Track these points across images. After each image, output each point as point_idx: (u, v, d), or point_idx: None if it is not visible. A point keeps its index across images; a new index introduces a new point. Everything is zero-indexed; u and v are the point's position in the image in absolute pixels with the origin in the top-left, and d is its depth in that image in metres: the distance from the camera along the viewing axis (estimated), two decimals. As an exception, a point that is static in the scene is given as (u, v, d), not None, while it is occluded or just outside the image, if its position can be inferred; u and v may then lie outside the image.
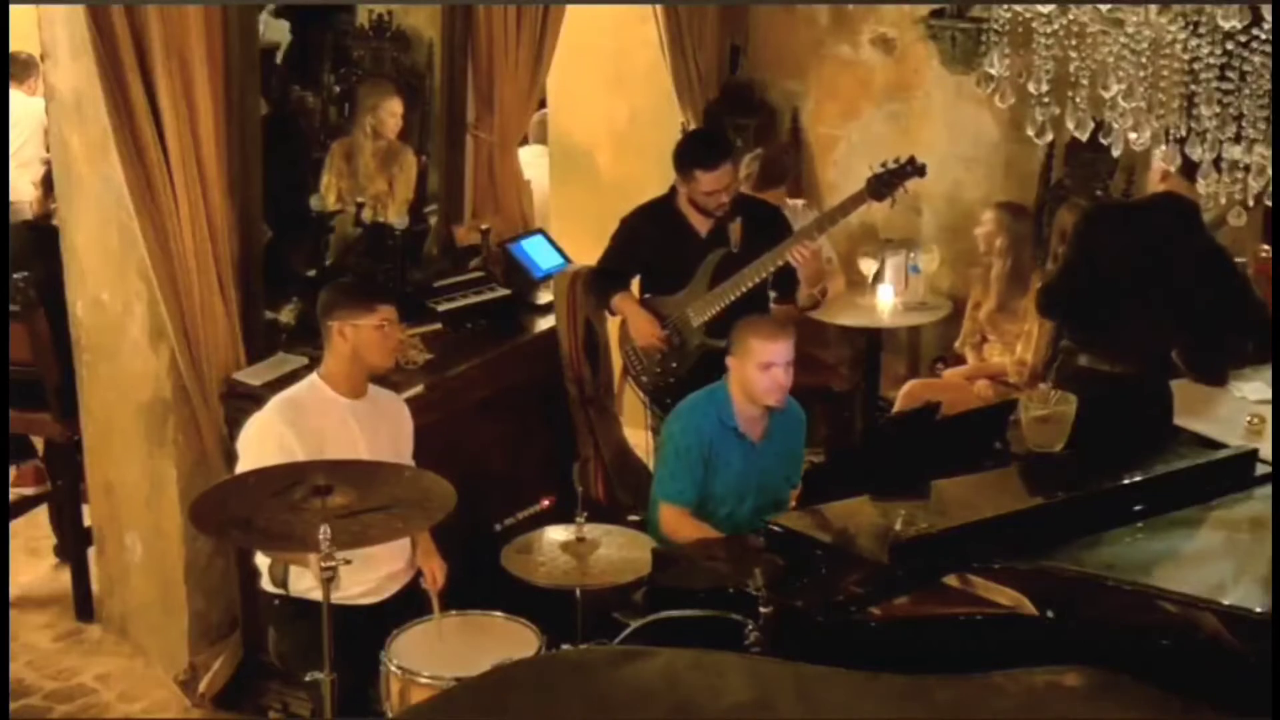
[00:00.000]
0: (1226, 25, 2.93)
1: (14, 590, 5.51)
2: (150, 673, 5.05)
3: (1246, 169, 3.09)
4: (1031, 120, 3.32)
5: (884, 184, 5.03)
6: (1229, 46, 2.97)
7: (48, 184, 5.74)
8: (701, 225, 5.18)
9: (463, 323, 5.30)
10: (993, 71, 3.34)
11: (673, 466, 4.47)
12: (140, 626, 5.14)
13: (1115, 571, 3.16)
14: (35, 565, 5.77)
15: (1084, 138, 3.40)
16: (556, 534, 4.12)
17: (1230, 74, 2.99)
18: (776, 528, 3.56)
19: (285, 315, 4.93)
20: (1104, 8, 3.10)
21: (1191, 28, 3.00)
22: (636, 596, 4.10)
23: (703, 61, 6.43)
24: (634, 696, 2.78)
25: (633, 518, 4.73)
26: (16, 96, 7.61)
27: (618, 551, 4.04)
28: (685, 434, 4.48)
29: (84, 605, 5.38)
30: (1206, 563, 3.31)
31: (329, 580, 3.51)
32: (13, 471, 6.02)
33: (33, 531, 5.86)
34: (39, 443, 5.81)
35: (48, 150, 5.77)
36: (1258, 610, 2.90)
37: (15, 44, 7.24)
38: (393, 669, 3.78)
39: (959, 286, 6.43)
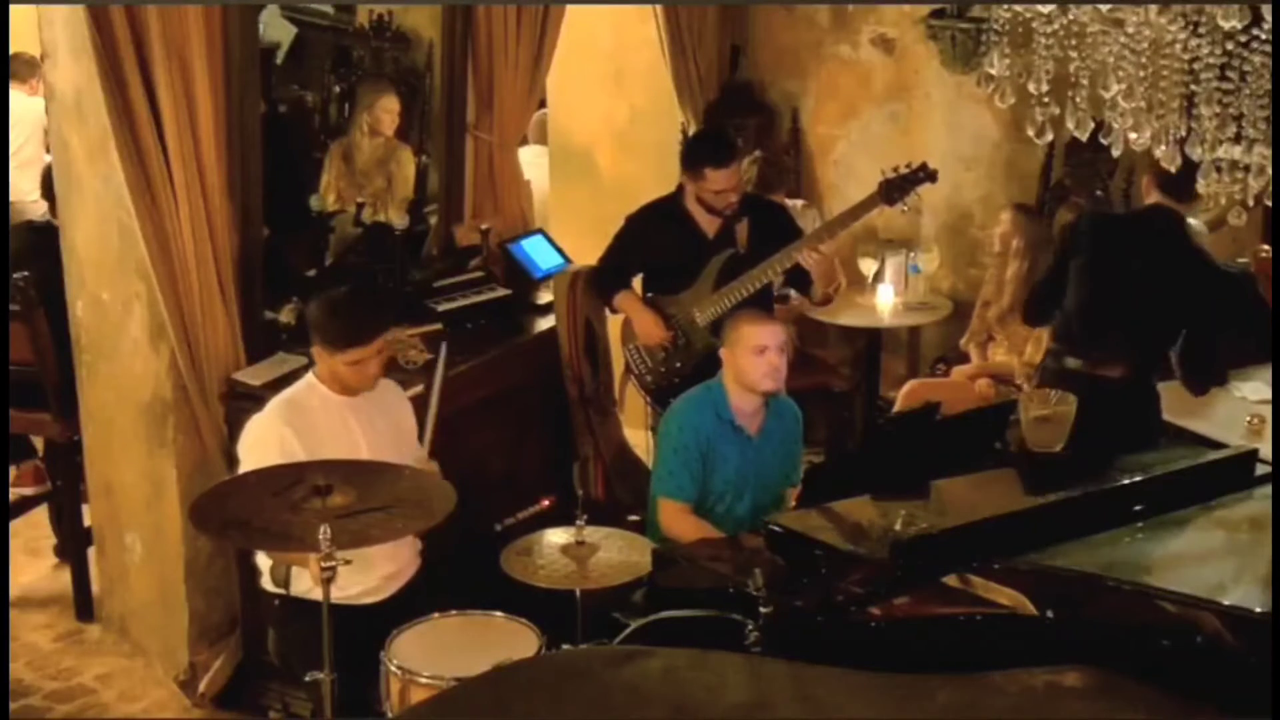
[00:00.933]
0: (1226, 25, 2.93)
1: (14, 590, 5.51)
2: (150, 673, 5.05)
3: (1246, 169, 3.08)
4: (1031, 120, 3.32)
5: (896, 188, 5.04)
6: (1229, 46, 2.96)
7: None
8: (709, 225, 5.18)
9: (463, 323, 5.30)
10: (993, 71, 3.34)
11: (671, 463, 4.48)
12: (140, 626, 5.14)
13: (1115, 571, 3.16)
14: (35, 565, 5.78)
15: (1084, 138, 3.40)
16: (556, 537, 4.12)
17: (1230, 74, 2.99)
18: (776, 528, 3.55)
19: (285, 315, 4.93)
20: (1104, 8, 3.10)
21: (1191, 28, 3.00)
22: (636, 597, 4.09)
23: (703, 61, 6.43)
24: (634, 696, 2.77)
25: (633, 517, 4.74)
26: (17, 96, 7.61)
27: (618, 555, 4.04)
28: (683, 430, 4.48)
29: (84, 605, 5.38)
30: (1206, 563, 3.31)
31: (329, 580, 3.52)
32: (13, 471, 6.02)
33: (33, 531, 5.86)
34: (39, 443, 5.81)
35: (48, 150, 5.77)
36: (1258, 610, 2.90)
37: (15, 44, 7.24)
38: (393, 669, 3.78)
39: (959, 286, 6.43)
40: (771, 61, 6.70)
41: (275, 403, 4.15)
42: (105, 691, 4.99)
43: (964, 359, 5.96)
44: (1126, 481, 3.49)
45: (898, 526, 3.38)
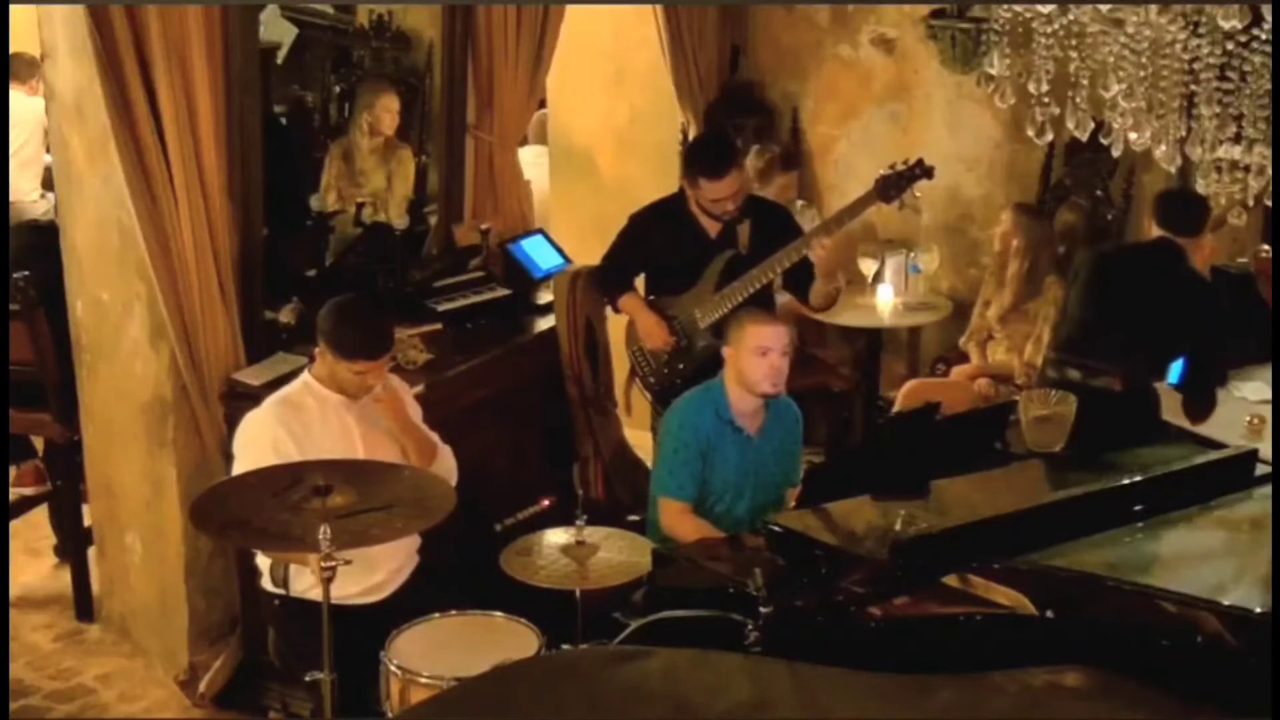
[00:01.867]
0: (1226, 25, 2.93)
1: (14, 590, 5.51)
2: (150, 673, 5.05)
3: (1246, 169, 3.09)
4: (1031, 120, 3.32)
5: (892, 186, 5.03)
6: (1229, 46, 2.97)
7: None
8: (711, 227, 5.18)
9: (463, 323, 5.30)
10: (993, 71, 3.35)
11: (671, 463, 4.48)
12: (140, 626, 5.14)
13: (1115, 571, 3.16)
14: (35, 565, 5.78)
15: (1084, 138, 3.40)
16: (556, 537, 4.12)
17: (1230, 74, 2.99)
18: (776, 528, 3.55)
19: (285, 315, 4.93)
20: (1104, 8, 3.10)
21: (1191, 28, 3.00)
22: (636, 597, 4.09)
23: (703, 61, 6.43)
24: (634, 696, 2.77)
25: (632, 517, 4.73)
26: (17, 96, 7.61)
27: (618, 555, 4.05)
28: (682, 429, 4.48)
29: (84, 605, 5.38)
30: (1206, 563, 3.31)
31: (329, 580, 3.52)
32: (13, 471, 6.02)
33: (33, 531, 5.86)
34: (39, 443, 5.81)
35: (48, 150, 5.77)
36: (1258, 610, 2.90)
37: (15, 44, 7.24)
38: (393, 669, 3.78)
39: (959, 286, 6.43)
40: (771, 61, 6.69)
41: (270, 401, 4.15)
42: (105, 691, 4.99)
43: (964, 359, 5.96)
44: (1126, 481, 3.48)
45: (898, 526, 3.38)
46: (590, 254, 5.57)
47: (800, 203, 6.41)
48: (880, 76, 6.50)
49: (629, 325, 5.40)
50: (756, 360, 4.38)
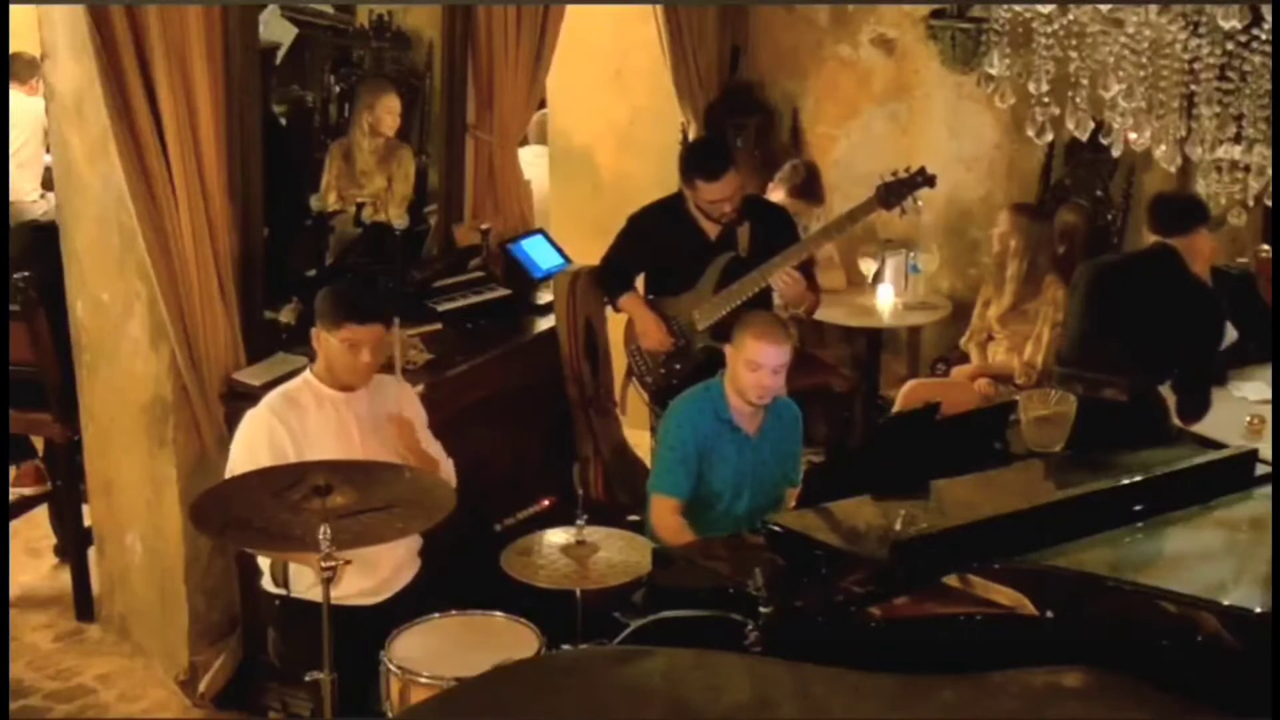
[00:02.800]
0: (1226, 25, 2.93)
1: (14, 590, 5.51)
2: (150, 673, 5.05)
3: (1246, 169, 3.09)
4: (1031, 120, 3.32)
5: (894, 193, 5.04)
6: (1229, 46, 2.97)
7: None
8: (710, 228, 5.18)
9: (463, 323, 5.30)
10: (993, 71, 3.34)
11: (668, 460, 4.49)
12: (140, 626, 5.14)
13: (1115, 571, 3.16)
14: (35, 565, 5.77)
15: (1084, 138, 3.40)
16: (556, 537, 4.12)
17: (1230, 74, 2.99)
18: (776, 528, 3.55)
19: (285, 315, 4.93)
20: (1104, 8, 3.10)
21: (1191, 28, 3.01)
22: (636, 597, 4.09)
23: (703, 61, 6.43)
24: (634, 696, 2.77)
25: (632, 517, 4.73)
26: (17, 96, 7.61)
27: (618, 555, 4.05)
28: (681, 428, 4.49)
29: (84, 605, 5.38)
30: (1206, 563, 3.31)
31: (329, 580, 3.52)
32: (13, 471, 6.02)
33: (33, 531, 5.86)
34: (39, 443, 5.81)
35: (48, 150, 5.77)
36: (1258, 610, 2.90)
37: (15, 44, 7.23)
38: (393, 669, 3.78)
39: (959, 286, 6.43)
40: (771, 61, 6.69)
41: (270, 397, 4.16)
42: (105, 691, 4.99)
43: (964, 359, 5.96)
44: (1126, 481, 3.48)
45: (898, 526, 3.38)
46: (590, 254, 5.57)
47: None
48: (880, 76, 6.50)
49: (628, 324, 5.40)
50: (747, 372, 4.40)
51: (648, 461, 5.40)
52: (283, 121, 5.41)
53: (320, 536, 3.44)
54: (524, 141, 6.39)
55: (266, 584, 4.23)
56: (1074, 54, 3.16)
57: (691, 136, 6.45)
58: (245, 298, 4.75)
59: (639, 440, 5.68)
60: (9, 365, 5.19)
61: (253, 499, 3.55)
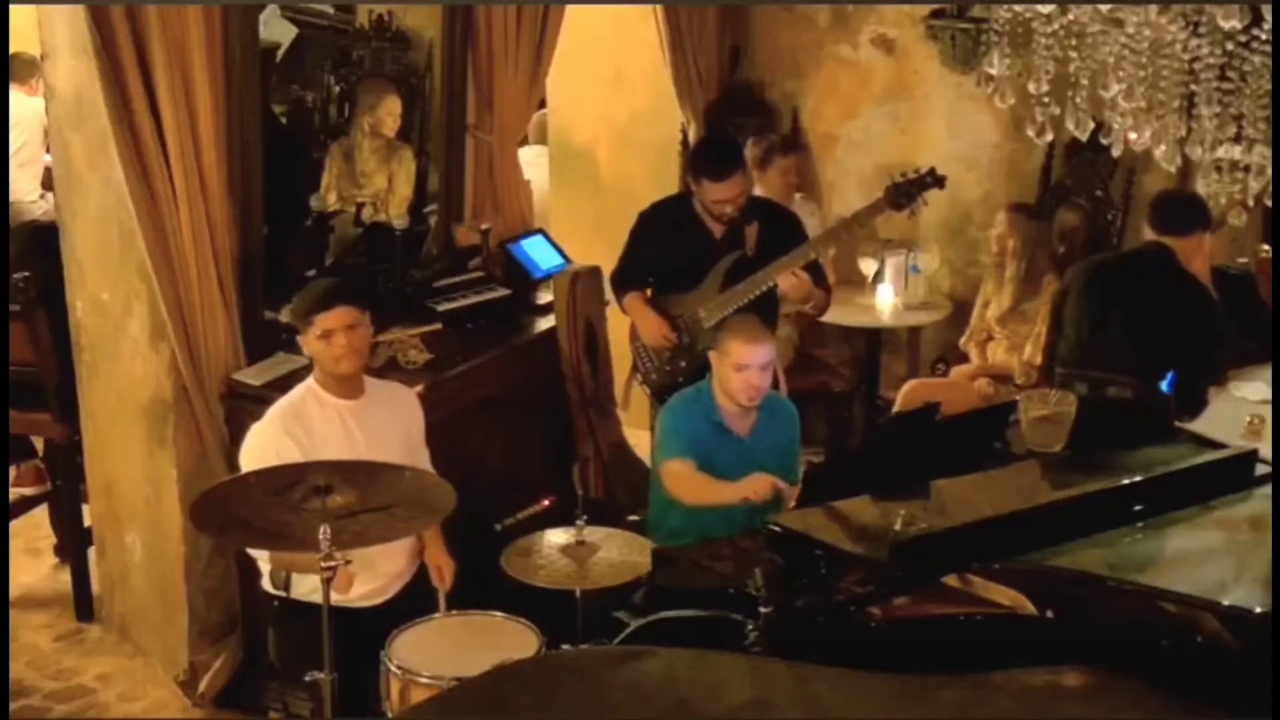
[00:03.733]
0: (1226, 25, 2.93)
1: (14, 590, 5.51)
2: (150, 673, 5.05)
3: (1246, 169, 3.09)
4: (1031, 120, 3.32)
5: (903, 194, 5.04)
6: (1229, 46, 2.97)
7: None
8: (716, 228, 5.18)
9: (463, 323, 5.30)
10: (993, 71, 3.34)
11: (665, 440, 4.50)
12: (140, 626, 5.14)
13: (1115, 571, 3.16)
14: (35, 565, 5.78)
15: (1084, 138, 3.40)
16: (556, 537, 4.13)
17: (1230, 74, 2.99)
18: (776, 528, 3.55)
19: (285, 315, 4.92)
20: (1104, 8, 3.10)
21: (1191, 28, 3.00)
22: (636, 597, 4.09)
23: (703, 61, 6.43)
24: (634, 696, 2.77)
25: (632, 517, 4.73)
26: (17, 96, 7.61)
27: (618, 555, 4.05)
28: (677, 430, 4.50)
29: (84, 605, 5.38)
30: (1206, 563, 3.31)
31: (329, 580, 3.51)
32: (13, 471, 6.02)
33: (33, 531, 5.86)
34: (39, 443, 5.81)
35: (48, 150, 5.76)
36: (1257, 610, 2.90)
37: (15, 44, 7.24)
38: (393, 669, 3.78)
39: (959, 286, 6.43)
40: (771, 61, 6.69)
41: (274, 410, 4.15)
42: (105, 691, 4.99)
43: (964, 359, 5.96)
44: (1126, 481, 3.48)
45: (898, 526, 3.38)
46: (590, 254, 5.57)
47: (799, 196, 6.40)
48: (880, 76, 6.50)
49: (633, 321, 5.40)
50: (734, 374, 4.41)
51: (648, 462, 5.40)
52: (283, 121, 5.41)
53: (320, 536, 3.44)
54: (524, 141, 6.39)
55: (266, 585, 4.23)
56: (1074, 54, 3.16)
57: (692, 136, 6.45)
58: (245, 298, 4.75)
59: (639, 440, 5.67)
60: (9, 365, 5.19)
61: (253, 499, 3.55)
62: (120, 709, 4.90)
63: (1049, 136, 3.35)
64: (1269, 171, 3.07)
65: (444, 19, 5.47)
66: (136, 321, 4.74)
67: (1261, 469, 3.63)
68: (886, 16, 6.41)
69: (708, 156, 5.21)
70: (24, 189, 7.65)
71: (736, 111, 6.58)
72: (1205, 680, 2.86)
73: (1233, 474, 3.59)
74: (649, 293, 5.35)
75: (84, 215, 4.80)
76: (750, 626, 3.28)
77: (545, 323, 5.54)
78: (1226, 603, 3.00)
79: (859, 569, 3.32)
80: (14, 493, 5.93)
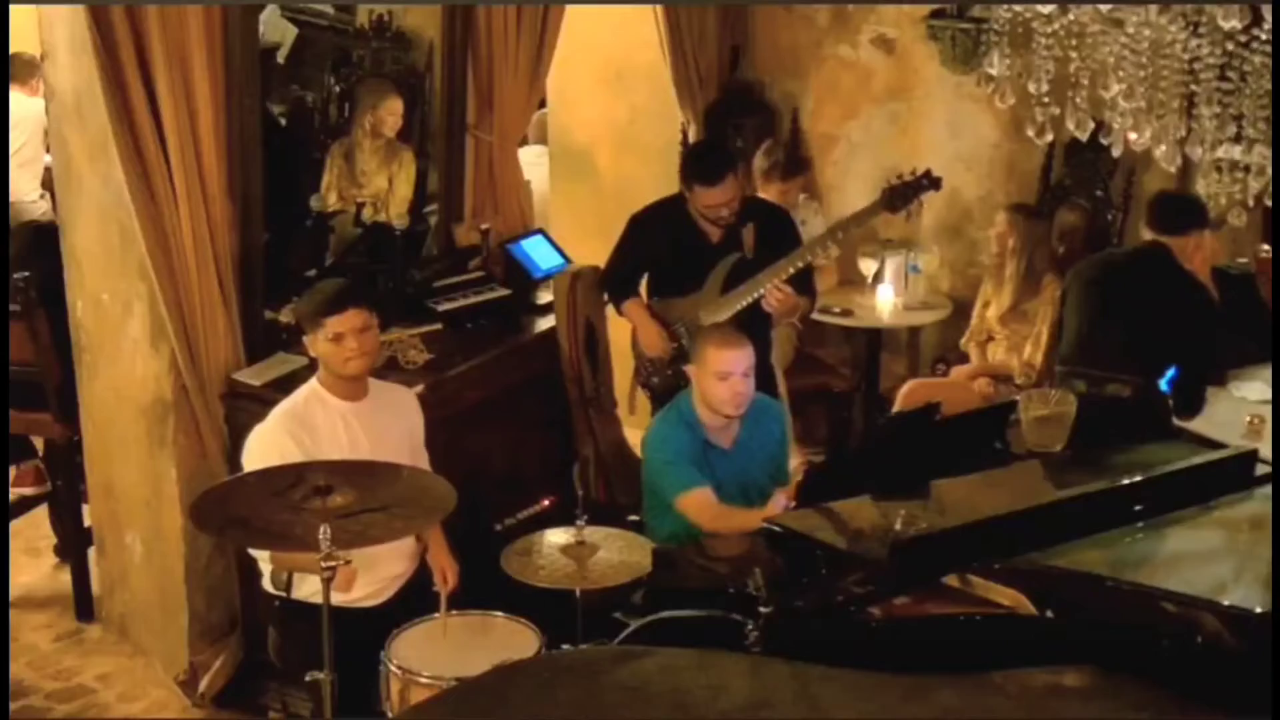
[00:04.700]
0: (1226, 25, 2.93)
1: (14, 590, 5.51)
2: (150, 673, 5.06)
3: (1246, 169, 3.09)
4: (1031, 120, 3.32)
5: (899, 196, 5.05)
6: (1229, 46, 2.97)
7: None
8: (712, 231, 5.17)
9: (463, 323, 5.30)
10: (993, 71, 3.35)
11: (671, 468, 4.44)
12: (140, 626, 5.14)
13: (1115, 571, 3.16)
14: (35, 565, 5.78)
15: (1084, 138, 3.40)
16: (556, 537, 4.12)
17: (1230, 74, 2.99)
18: (776, 528, 3.55)
19: (285, 315, 4.93)
20: (1104, 8, 3.10)
21: (1191, 28, 3.01)
22: (636, 597, 4.09)
23: (703, 61, 6.43)
24: (634, 696, 2.77)
25: (632, 517, 4.73)
26: (17, 96, 7.61)
27: (618, 555, 4.05)
28: (665, 445, 4.48)
29: (84, 605, 5.38)
30: (1206, 563, 3.31)
31: (329, 581, 3.51)
32: (13, 471, 6.02)
33: (33, 531, 5.86)
34: (39, 443, 5.81)
35: (48, 150, 5.76)
36: (1258, 610, 2.90)
37: (15, 44, 7.24)
38: (393, 669, 3.78)
39: (959, 286, 6.43)
40: (771, 61, 6.69)
41: (277, 412, 4.14)
42: (105, 691, 4.99)
43: (964, 359, 5.96)
44: (1126, 481, 3.48)
45: (898, 526, 3.38)
46: (590, 254, 5.57)
47: (803, 196, 6.40)
48: (880, 76, 6.50)
49: (634, 328, 5.40)
50: (717, 384, 4.35)
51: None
52: (283, 122, 5.41)
53: (320, 536, 3.44)
54: (524, 141, 6.39)
55: (267, 585, 4.23)
56: (1074, 54, 3.16)
57: (692, 136, 6.45)
58: (245, 298, 4.75)
59: (640, 440, 5.67)
60: (9, 365, 5.19)
61: (253, 499, 3.55)
62: (120, 709, 4.90)
63: (1049, 136, 3.35)
64: (1269, 171, 3.07)
65: (444, 19, 5.47)
66: (136, 321, 4.74)
67: (1261, 469, 3.63)
68: (886, 16, 6.41)
69: (701, 162, 5.20)
70: (24, 189, 7.64)
71: (736, 111, 6.58)
72: (1205, 680, 2.86)
73: (1233, 474, 3.59)
74: (646, 298, 5.36)
75: (84, 215, 4.80)
76: (750, 626, 3.28)
77: (545, 323, 5.54)
78: (1227, 603, 3.00)
79: (859, 569, 3.32)
80: (14, 493, 5.93)
